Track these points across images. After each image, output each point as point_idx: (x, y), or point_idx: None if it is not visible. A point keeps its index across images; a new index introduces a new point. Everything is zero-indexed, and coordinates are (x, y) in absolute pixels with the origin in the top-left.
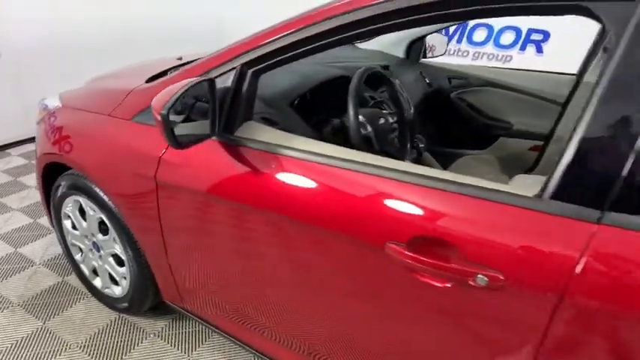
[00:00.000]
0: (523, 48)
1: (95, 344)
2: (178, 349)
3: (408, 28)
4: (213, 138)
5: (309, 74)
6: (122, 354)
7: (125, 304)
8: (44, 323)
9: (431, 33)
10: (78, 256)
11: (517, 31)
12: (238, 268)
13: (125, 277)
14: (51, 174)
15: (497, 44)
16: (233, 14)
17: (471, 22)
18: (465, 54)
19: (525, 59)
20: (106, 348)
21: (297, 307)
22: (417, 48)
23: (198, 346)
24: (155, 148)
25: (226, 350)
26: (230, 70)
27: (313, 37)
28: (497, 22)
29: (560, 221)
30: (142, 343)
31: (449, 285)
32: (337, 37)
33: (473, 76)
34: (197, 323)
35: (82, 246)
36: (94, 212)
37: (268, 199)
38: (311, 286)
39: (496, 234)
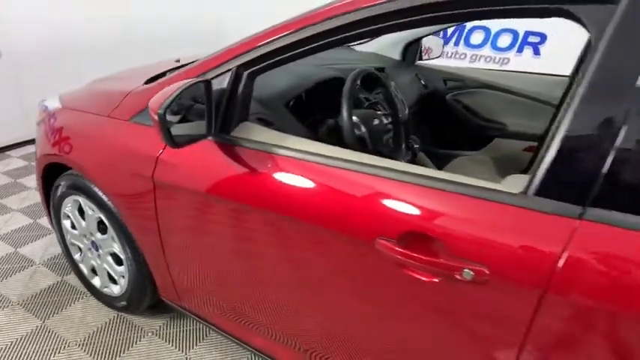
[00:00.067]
0: (520, 50)
1: (94, 342)
2: (176, 347)
3: (397, 31)
4: (210, 138)
5: (305, 76)
6: (120, 352)
7: (123, 303)
8: (43, 322)
9: (426, 35)
10: (77, 256)
11: (514, 33)
12: (234, 266)
13: (123, 276)
14: (51, 175)
15: (495, 47)
16: (233, 16)
17: (469, 25)
18: (462, 56)
19: (522, 61)
20: (104, 346)
21: (292, 304)
22: (412, 50)
23: (196, 344)
24: (153, 148)
25: (223, 348)
26: (226, 71)
27: (307, 39)
28: (494, 25)
29: (543, 217)
30: (140, 341)
31: (436, 280)
32: (329, 40)
33: (468, 78)
34: (195, 321)
35: (81, 245)
36: (92, 212)
37: (264, 197)
38: (306, 284)
39: (482, 229)
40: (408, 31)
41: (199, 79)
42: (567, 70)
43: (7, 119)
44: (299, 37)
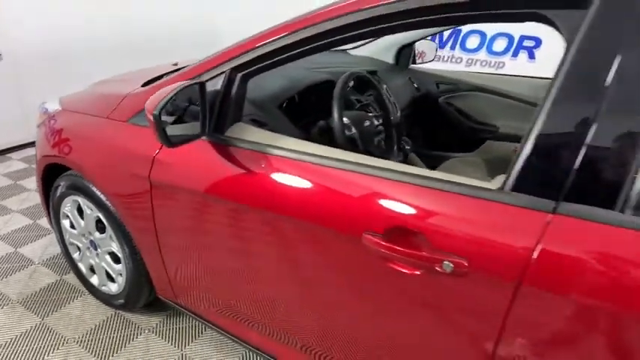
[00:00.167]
0: (515, 54)
1: (92, 339)
2: (172, 344)
3: (383, 35)
4: (204, 138)
5: (298, 78)
6: (117, 349)
7: (121, 301)
8: (43, 319)
9: (419, 39)
10: (76, 255)
11: (509, 37)
12: (228, 264)
13: (121, 274)
14: (50, 175)
15: (490, 51)
16: (232, 18)
17: (464, 29)
18: (458, 60)
19: (518, 65)
20: (102, 343)
21: (285, 300)
22: (406, 54)
23: (192, 341)
24: (149, 148)
25: (218, 345)
26: (220, 74)
27: (296, 42)
28: (489, 29)
29: (518, 211)
30: (136, 338)
31: (418, 272)
32: (318, 44)
33: (461, 81)
34: (191, 319)
35: (80, 244)
36: (91, 211)
37: (257, 196)
38: (298, 280)
39: (461, 224)
40: (402, 35)
41: (194, 81)
42: None
43: (8, 122)
44: (289, 41)
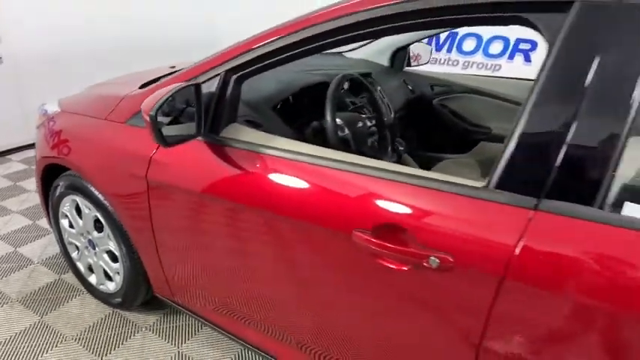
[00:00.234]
0: (511, 57)
1: (90, 337)
2: (169, 341)
3: (373, 38)
4: (199, 138)
5: (292, 81)
6: (115, 346)
7: (119, 299)
8: (41, 318)
9: (413, 42)
10: (74, 254)
11: (505, 40)
12: (223, 262)
13: (119, 273)
14: (50, 176)
15: (487, 54)
16: (231, 19)
17: (461, 32)
18: (455, 63)
19: (514, 68)
20: (99, 341)
21: (279, 298)
22: (400, 57)
23: (188, 338)
24: (146, 148)
25: (214, 343)
26: (215, 76)
27: (288, 45)
28: (486, 32)
29: (501, 208)
30: (134, 336)
31: (405, 268)
32: (309, 47)
33: (454, 83)
34: (187, 317)
35: (79, 244)
36: (89, 210)
37: (251, 194)
38: (291, 277)
39: (446, 220)
40: (396, 38)
41: (189, 83)
42: None
43: (8, 123)
44: (282, 44)
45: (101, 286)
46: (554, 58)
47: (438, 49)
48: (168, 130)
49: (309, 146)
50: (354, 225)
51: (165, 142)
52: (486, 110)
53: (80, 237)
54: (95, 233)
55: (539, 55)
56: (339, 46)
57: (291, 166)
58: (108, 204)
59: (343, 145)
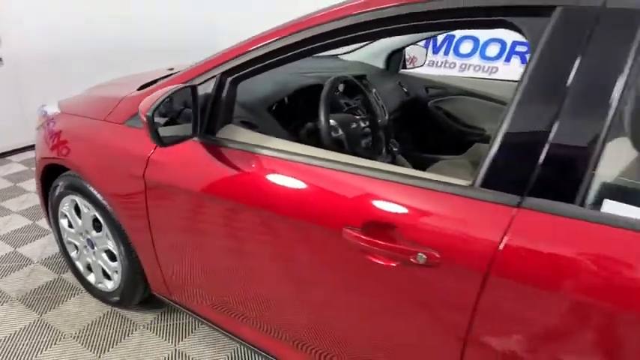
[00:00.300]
0: (508, 59)
1: (88, 335)
2: (166, 339)
3: (363, 41)
4: (196, 139)
5: (288, 83)
6: (113, 344)
7: (117, 298)
8: (41, 316)
9: (408, 45)
10: (73, 254)
11: (502, 43)
12: (219, 260)
13: (117, 272)
14: (49, 176)
15: (484, 56)
16: (231, 19)
17: (458, 35)
18: (452, 65)
19: (510, 70)
20: (98, 338)
21: (274, 295)
22: (396, 59)
23: (185, 336)
24: (144, 148)
25: (211, 340)
26: (211, 78)
27: (282, 49)
28: (482, 35)
29: (486, 206)
30: (131, 334)
31: (394, 264)
32: (301, 50)
33: (449, 85)
34: (185, 315)
35: (78, 243)
36: (88, 210)
37: (245, 193)
38: (285, 274)
39: (433, 218)
40: (392, 40)
41: (186, 85)
42: None
43: (8, 125)
44: (275, 47)
45: (100, 285)
46: (537, 60)
47: (435, 51)
48: (165, 131)
49: (302, 146)
50: (344, 222)
51: (162, 142)
52: (481, 112)
53: (79, 236)
54: (94, 233)
55: None
56: (332, 48)
57: (285, 165)
58: (106, 203)
59: (337, 146)
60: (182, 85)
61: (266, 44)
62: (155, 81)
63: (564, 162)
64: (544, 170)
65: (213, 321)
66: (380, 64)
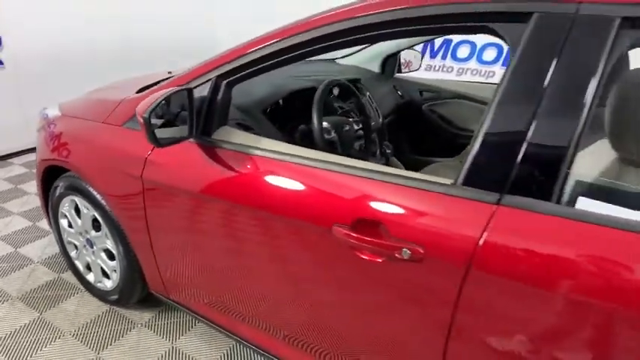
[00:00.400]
0: (505, 63)
1: (87, 333)
2: (164, 337)
3: (351, 46)
4: (192, 140)
5: (283, 86)
6: (111, 341)
7: (115, 297)
8: (41, 314)
9: (403, 49)
10: (73, 253)
11: (499, 47)
12: (215, 258)
13: (115, 271)
14: (50, 177)
15: (480, 60)
16: (231, 20)
17: (455, 39)
18: (449, 70)
19: None
20: (96, 336)
21: (267, 292)
22: (391, 63)
23: (182, 334)
24: (142, 149)
25: (208, 338)
26: (207, 81)
27: (275, 52)
28: (479, 40)
29: (467, 203)
30: (129, 332)
31: (380, 260)
32: (293, 54)
33: (443, 89)
34: (182, 314)
35: (77, 243)
36: (87, 210)
37: (240, 193)
38: (279, 272)
39: (417, 215)
40: (387, 45)
41: (182, 88)
42: None
43: (10, 128)
44: (268, 51)
45: (99, 284)
46: (515, 63)
47: (433, 55)
48: (163, 132)
49: (294, 147)
50: (334, 220)
51: (159, 142)
52: (474, 115)
53: (79, 236)
54: (93, 232)
55: None
56: (322, 53)
57: (277, 165)
58: (105, 203)
59: (330, 148)
60: (178, 88)
61: (259, 48)
62: (153, 84)
63: (541, 161)
64: (522, 169)
65: (210, 319)
66: (375, 68)
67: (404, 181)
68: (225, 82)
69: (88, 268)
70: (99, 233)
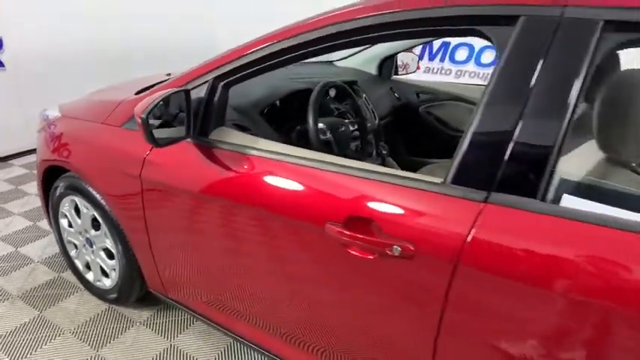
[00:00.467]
0: None
1: (86, 331)
2: (161, 335)
3: (342, 49)
4: (189, 140)
5: (280, 87)
6: (110, 339)
7: (114, 295)
8: (41, 312)
9: (399, 52)
10: (73, 252)
11: None
12: (212, 257)
13: (114, 270)
14: (50, 178)
15: (478, 63)
16: (230, 21)
17: (454, 42)
18: (447, 72)
19: None
20: (96, 334)
21: (264, 290)
22: (388, 66)
23: (180, 332)
24: (140, 149)
25: (205, 336)
26: (204, 82)
27: (270, 55)
28: (477, 42)
29: (455, 201)
30: (128, 330)
31: (371, 257)
32: (288, 57)
33: (440, 91)
34: (180, 312)
35: (77, 242)
36: (87, 210)
37: (237, 192)
38: (273, 270)
39: (408, 212)
40: (384, 48)
41: (179, 89)
42: None
43: (10, 130)
44: (264, 54)
45: (98, 283)
46: (503, 65)
47: (431, 58)
48: (161, 133)
49: (289, 147)
50: (327, 218)
51: (157, 142)
52: (469, 117)
53: (78, 235)
54: (93, 232)
55: None
56: (315, 56)
57: (273, 165)
58: (105, 203)
59: (326, 148)
60: (175, 90)
61: (255, 50)
62: (152, 85)
63: (527, 160)
64: (509, 167)
65: (208, 317)
66: (372, 70)
67: (395, 180)
68: (222, 83)
69: (88, 267)
70: (98, 232)
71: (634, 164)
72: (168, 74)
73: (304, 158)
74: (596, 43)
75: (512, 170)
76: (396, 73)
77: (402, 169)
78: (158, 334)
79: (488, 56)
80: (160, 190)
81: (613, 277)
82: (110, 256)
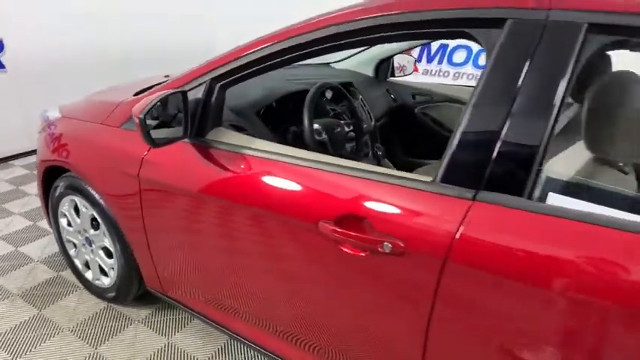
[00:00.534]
0: None
1: (85, 329)
2: (159, 333)
3: (334, 51)
4: (186, 140)
5: (276, 88)
6: (108, 337)
7: (113, 294)
8: (40, 311)
9: (396, 54)
10: (72, 251)
11: None
12: (209, 256)
13: (113, 268)
14: (50, 178)
15: (476, 65)
16: (230, 21)
17: (452, 44)
18: (445, 74)
19: None
20: (94, 332)
21: (259, 288)
22: (384, 67)
23: (178, 330)
24: (139, 149)
25: (203, 334)
26: (201, 84)
27: (266, 56)
28: (475, 45)
29: (445, 199)
30: (126, 328)
31: (363, 254)
32: (283, 58)
33: (435, 93)
34: (178, 311)
35: (76, 241)
36: (86, 209)
37: (233, 192)
38: (269, 268)
39: (398, 210)
40: (380, 50)
41: (177, 90)
42: None
43: (11, 130)
44: (259, 55)
45: (97, 282)
46: (491, 66)
47: (429, 60)
48: (159, 133)
49: (284, 147)
50: (320, 216)
51: (154, 142)
52: None
53: (78, 235)
54: (92, 231)
55: None
56: (310, 57)
57: (269, 165)
58: (104, 202)
59: (321, 148)
60: (173, 91)
61: (252, 52)
62: (151, 87)
63: (514, 159)
64: (496, 166)
65: (205, 315)
66: (369, 72)
67: (385, 179)
68: (219, 84)
69: (87, 266)
70: (97, 232)
71: (621, 164)
72: (167, 76)
73: (300, 158)
74: (581, 45)
75: (499, 169)
76: (393, 75)
77: (398, 170)
78: (156, 332)
79: None
80: (157, 189)
81: (599, 273)
82: (109, 255)
